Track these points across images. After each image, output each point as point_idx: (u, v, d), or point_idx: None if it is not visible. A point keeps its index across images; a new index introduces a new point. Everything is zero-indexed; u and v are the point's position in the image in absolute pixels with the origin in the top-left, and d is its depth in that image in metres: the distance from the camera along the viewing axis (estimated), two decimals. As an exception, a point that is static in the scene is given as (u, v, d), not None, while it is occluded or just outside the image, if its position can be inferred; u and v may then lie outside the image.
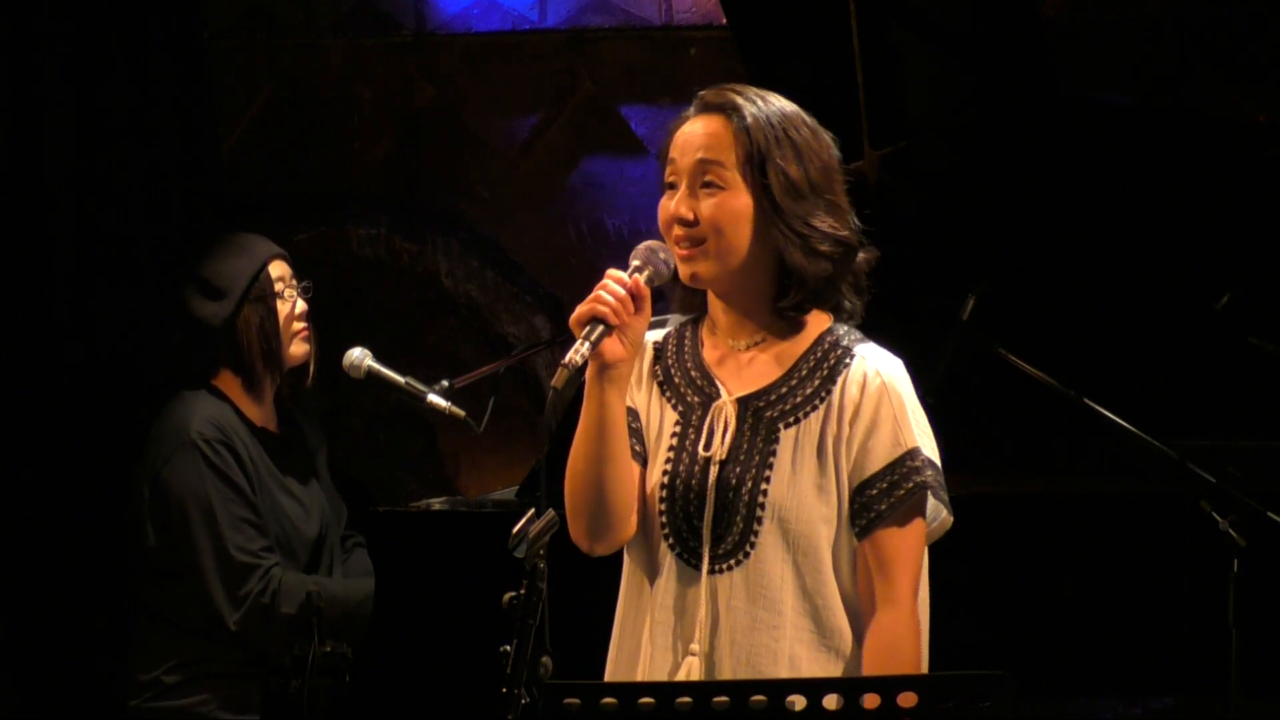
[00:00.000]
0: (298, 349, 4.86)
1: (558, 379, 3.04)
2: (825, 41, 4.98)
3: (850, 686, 2.72)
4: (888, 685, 2.74)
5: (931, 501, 3.17)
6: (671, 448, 3.21)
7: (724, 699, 2.71)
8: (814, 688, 2.71)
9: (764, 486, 3.15)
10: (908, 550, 3.16)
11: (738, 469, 3.17)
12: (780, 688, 2.73)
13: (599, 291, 3.10)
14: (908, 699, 2.72)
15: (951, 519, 3.20)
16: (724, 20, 5.68)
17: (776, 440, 3.17)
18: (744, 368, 3.23)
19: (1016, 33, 5.15)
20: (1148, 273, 5.04)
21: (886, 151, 5.00)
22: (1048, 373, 4.61)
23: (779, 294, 3.20)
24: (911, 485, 3.14)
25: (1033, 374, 4.62)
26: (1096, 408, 4.50)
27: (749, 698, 2.71)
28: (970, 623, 4.36)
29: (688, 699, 2.72)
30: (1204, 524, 4.20)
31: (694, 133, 3.19)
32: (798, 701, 2.72)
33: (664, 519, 3.19)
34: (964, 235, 5.08)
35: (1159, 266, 5.04)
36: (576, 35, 6.11)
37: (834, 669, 3.14)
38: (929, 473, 3.15)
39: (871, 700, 2.71)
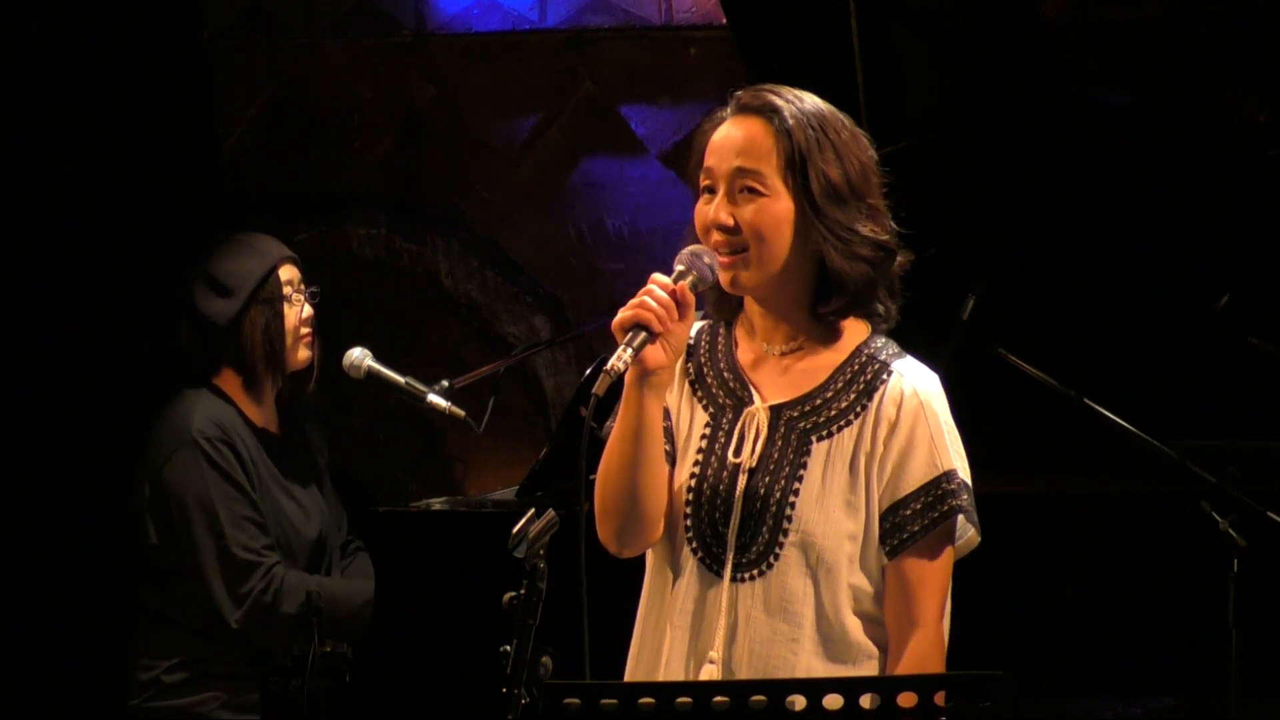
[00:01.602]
0: (302, 354, 4.86)
1: (600, 385, 3.00)
2: (825, 41, 4.98)
3: (850, 686, 2.72)
4: (888, 685, 2.74)
5: (960, 519, 3.15)
6: (700, 450, 3.18)
7: (724, 699, 2.70)
8: (814, 688, 2.71)
9: (792, 499, 3.12)
10: (936, 573, 3.14)
11: (766, 479, 3.14)
12: (780, 688, 2.72)
13: (643, 297, 3.04)
14: (908, 699, 2.72)
15: (979, 539, 3.18)
16: (724, 20, 5.67)
17: (808, 452, 3.14)
18: (779, 374, 3.19)
19: (1016, 33, 5.15)
20: (1148, 273, 5.04)
21: (886, 151, 4.99)
22: (1048, 373, 4.61)
23: (817, 299, 3.16)
24: (947, 508, 3.12)
25: (1033, 374, 4.62)
26: (1096, 408, 4.50)
27: (749, 698, 2.70)
28: (970, 623, 4.36)
29: (687, 699, 2.71)
30: (1204, 524, 4.20)
31: (732, 136, 3.14)
32: (798, 702, 2.71)
33: (689, 522, 3.16)
34: (964, 235, 5.08)
35: (1159, 266, 5.04)
36: (576, 35, 6.11)
37: None
38: (964, 496, 3.14)
39: (871, 700, 2.71)
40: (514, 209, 6.18)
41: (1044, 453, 4.98)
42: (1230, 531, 4.14)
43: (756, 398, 3.18)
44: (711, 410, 3.20)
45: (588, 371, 4.72)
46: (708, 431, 3.19)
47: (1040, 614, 4.50)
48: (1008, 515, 4.50)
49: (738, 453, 3.16)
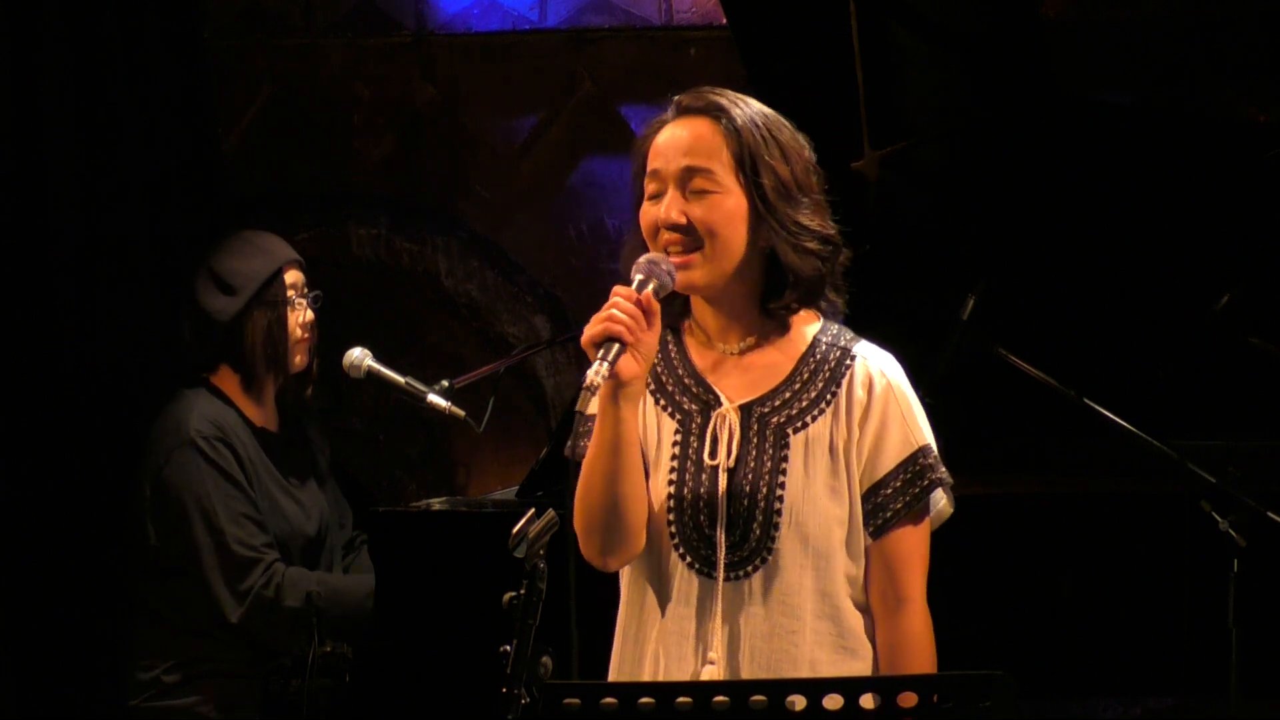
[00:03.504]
0: (299, 359, 4.88)
1: (582, 402, 3.01)
2: (825, 41, 4.98)
3: (850, 686, 2.72)
4: (888, 685, 2.75)
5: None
6: (674, 457, 3.19)
7: (724, 699, 2.71)
8: (814, 688, 2.71)
9: (779, 492, 3.14)
10: (919, 547, 3.19)
11: (750, 475, 3.16)
12: (780, 688, 2.73)
13: (611, 310, 3.06)
14: (908, 699, 2.72)
15: (951, 509, 3.22)
16: (724, 20, 5.67)
17: (787, 445, 3.16)
18: (740, 373, 3.21)
19: (1016, 33, 5.15)
20: (1148, 272, 5.04)
21: (886, 151, 4.99)
22: (1048, 373, 4.61)
23: (768, 294, 3.19)
24: (927, 482, 3.17)
25: (1033, 374, 4.62)
26: (1096, 408, 4.50)
27: (748, 698, 2.71)
28: (970, 623, 4.36)
29: (687, 699, 2.71)
30: (1204, 524, 4.20)
31: (678, 137, 3.17)
32: (798, 701, 2.72)
33: (673, 529, 3.17)
34: (964, 235, 5.08)
35: (1159, 266, 5.04)
36: (576, 35, 6.11)
37: (854, 670, 3.15)
38: (942, 469, 3.19)
39: (871, 700, 2.71)
40: (514, 209, 6.18)
41: (1044, 453, 4.98)
42: (1230, 531, 4.14)
43: (723, 399, 3.20)
44: (679, 417, 3.21)
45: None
46: (678, 438, 3.20)
47: (1040, 614, 4.50)
48: (1008, 515, 4.51)
49: (713, 455, 3.18)
